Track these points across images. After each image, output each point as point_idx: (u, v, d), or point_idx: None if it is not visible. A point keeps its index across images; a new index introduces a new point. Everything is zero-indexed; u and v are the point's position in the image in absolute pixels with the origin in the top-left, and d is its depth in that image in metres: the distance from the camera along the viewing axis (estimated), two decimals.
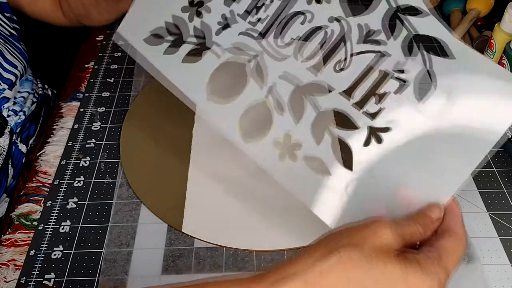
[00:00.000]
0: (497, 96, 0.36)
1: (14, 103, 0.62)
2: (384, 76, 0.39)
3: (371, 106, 0.39)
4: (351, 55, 0.41)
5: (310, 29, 0.42)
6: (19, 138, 0.62)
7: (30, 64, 0.69)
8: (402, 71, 0.39)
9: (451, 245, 0.34)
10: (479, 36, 0.70)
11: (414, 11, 0.40)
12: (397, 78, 0.39)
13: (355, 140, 0.39)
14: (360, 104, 0.40)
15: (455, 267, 0.33)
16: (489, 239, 0.48)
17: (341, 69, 0.41)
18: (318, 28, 0.42)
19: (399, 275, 0.31)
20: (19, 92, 0.64)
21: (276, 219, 0.49)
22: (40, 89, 0.71)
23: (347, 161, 0.39)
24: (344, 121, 0.40)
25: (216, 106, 0.44)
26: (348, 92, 0.40)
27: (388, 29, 0.41)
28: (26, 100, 0.65)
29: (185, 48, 0.47)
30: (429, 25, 0.39)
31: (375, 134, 0.39)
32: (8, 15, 0.66)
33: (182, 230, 0.48)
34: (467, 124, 0.37)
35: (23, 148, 0.63)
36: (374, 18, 0.41)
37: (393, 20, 0.40)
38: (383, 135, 0.39)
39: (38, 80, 0.72)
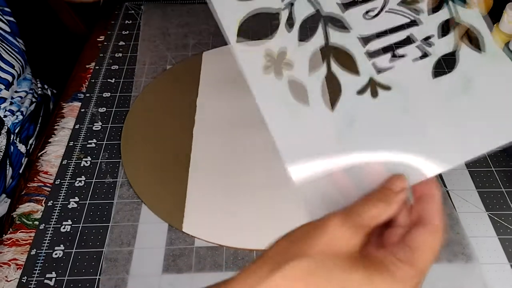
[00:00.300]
0: None
1: (11, 103, 0.62)
2: (409, 40, 0.38)
3: (382, 61, 0.38)
4: (386, 10, 0.39)
5: None
6: (18, 138, 0.62)
7: (29, 63, 0.69)
8: (429, 44, 0.38)
9: (425, 240, 0.28)
10: None
11: (463, 1, 0.39)
12: (421, 48, 0.38)
13: (350, 83, 0.37)
14: (372, 55, 0.38)
15: (430, 264, 0.28)
16: (488, 238, 0.48)
17: (370, 18, 0.39)
18: None
19: (364, 284, 0.26)
20: (16, 92, 0.64)
21: (277, 219, 0.49)
22: (40, 89, 0.71)
23: (332, 99, 0.37)
24: (347, 62, 0.38)
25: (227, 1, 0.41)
26: (366, 40, 0.38)
27: (431, 6, 0.40)
28: (24, 100, 0.65)
29: None
30: (473, 16, 0.38)
31: (373, 86, 0.37)
32: (7, 10, 0.66)
33: (183, 230, 0.49)
34: (475, 117, 0.36)
35: (22, 148, 0.63)
36: None
37: (441, 2, 0.40)
38: (381, 91, 0.37)
39: (37, 80, 0.72)
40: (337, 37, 0.39)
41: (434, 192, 0.30)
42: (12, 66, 0.61)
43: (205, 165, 0.55)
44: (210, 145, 0.57)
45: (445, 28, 0.39)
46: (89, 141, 0.59)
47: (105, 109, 0.63)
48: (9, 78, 0.61)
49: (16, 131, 0.62)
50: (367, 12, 0.40)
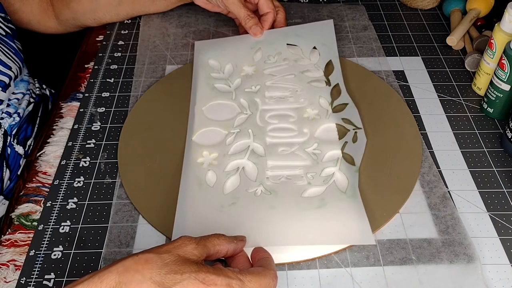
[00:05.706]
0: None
1: (8, 105, 0.62)
2: (301, 174, 0.53)
3: (274, 178, 0.52)
4: (295, 151, 0.55)
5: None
6: (15, 140, 0.62)
7: (27, 63, 0.69)
8: (312, 177, 0.53)
9: (256, 269, 0.39)
10: (479, 36, 0.70)
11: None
12: (304, 178, 0.52)
13: (247, 184, 0.52)
14: (271, 169, 0.54)
15: (251, 284, 0.37)
16: (489, 239, 0.48)
17: (283, 153, 0.55)
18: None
19: (191, 271, 0.36)
20: (13, 93, 0.63)
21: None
22: (38, 89, 0.71)
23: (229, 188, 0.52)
24: (252, 174, 0.53)
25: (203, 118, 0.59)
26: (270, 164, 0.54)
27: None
28: (21, 101, 0.64)
29: (219, 82, 0.64)
30: (351, 170, 0.53)
31: (260, 189, 0.51)
32: (2, 15, 0.66)
33: (172, 238, 0.47)
34: (314, 224, 0.48)
35: (20, 149, 0.62)
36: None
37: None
38: (264, 192, 0.51)
39: (35, 80, 0.72)
40: (252, 157, 0.54)
41: (268, 255, 0.43)
42: (9, 68, 0.61)
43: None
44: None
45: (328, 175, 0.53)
46: (88, 141, 0.58)
47: (104, 109, 0.63)
48: (6, 79, 0.60)
49: (13, 132, 0.62)
50: (282, 149, 0.55)
